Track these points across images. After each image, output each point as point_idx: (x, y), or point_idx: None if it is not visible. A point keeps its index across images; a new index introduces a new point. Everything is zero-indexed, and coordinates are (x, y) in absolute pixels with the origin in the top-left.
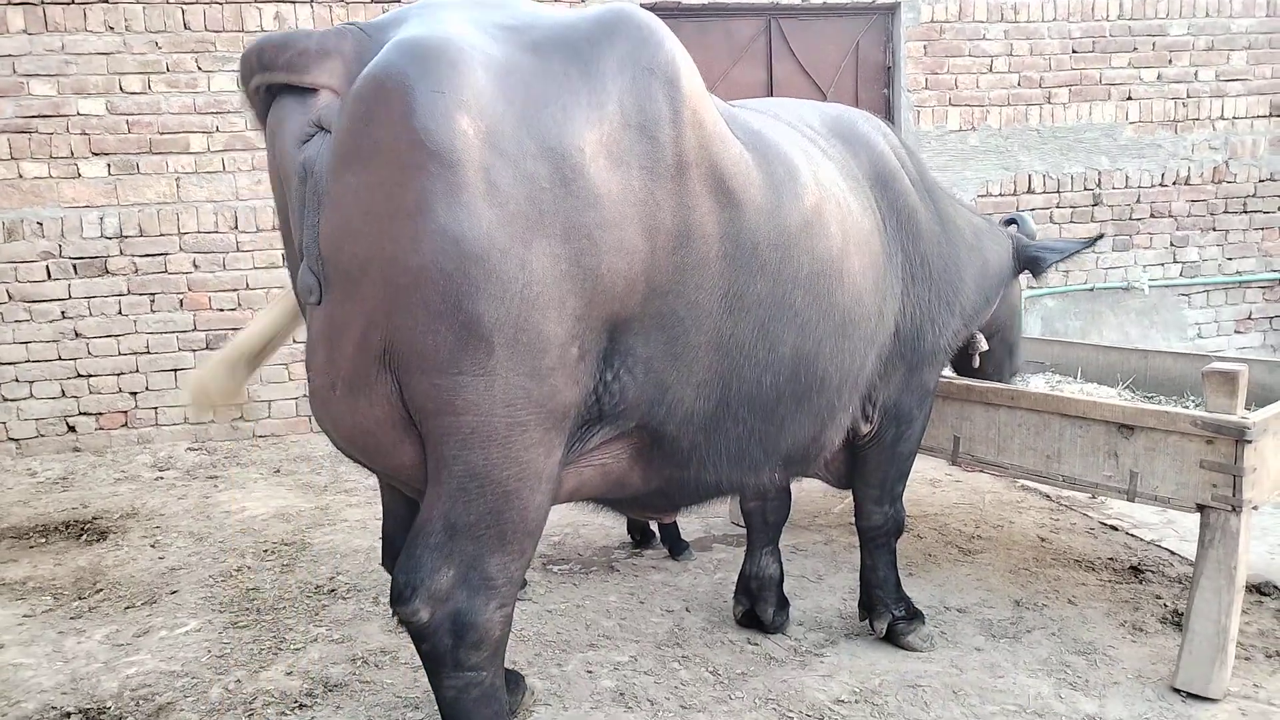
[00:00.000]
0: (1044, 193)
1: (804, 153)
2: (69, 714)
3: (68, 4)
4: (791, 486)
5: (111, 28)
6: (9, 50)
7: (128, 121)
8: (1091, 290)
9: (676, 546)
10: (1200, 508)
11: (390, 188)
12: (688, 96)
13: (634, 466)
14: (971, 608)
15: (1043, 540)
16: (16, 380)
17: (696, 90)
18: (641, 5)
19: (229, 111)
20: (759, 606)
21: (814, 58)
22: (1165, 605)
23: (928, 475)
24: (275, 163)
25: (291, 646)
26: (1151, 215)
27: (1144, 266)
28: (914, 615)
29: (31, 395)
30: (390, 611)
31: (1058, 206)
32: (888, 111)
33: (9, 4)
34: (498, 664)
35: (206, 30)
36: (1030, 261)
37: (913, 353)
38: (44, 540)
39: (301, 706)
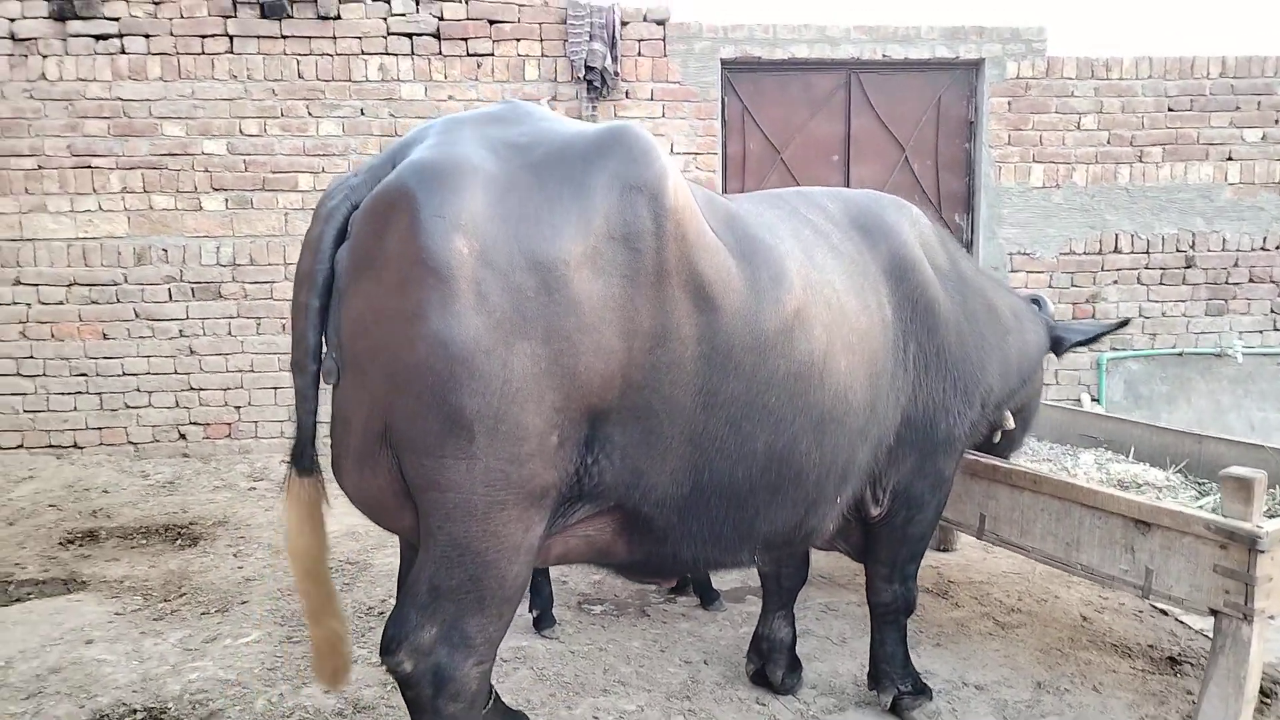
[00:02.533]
0: (1131, 253)
1: (800, 254)
2: (135, 711)
3: (199, 54)
4: (809, 552)
5: (235, 75)
6: (146, 95)
7: (245, 161)
8: (1180, 355)
9: (708, 595)
10: (1213, 612)
11: (394, 295)
12: (671, 211)
13: (617, 539)
14: (990, 686)
15: (1084, 619)
16: (138, 390)
17: (681, 204)
18: (723, 59)
19: (333, 154)
20: (768, 668)
21: (894, 112)
22: (1193, 703)
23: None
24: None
25: None
26: (1250, 280)
27: (1239, 333)
28: (920, 690)
29: (150, 404)
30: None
31: (1146, 268)
32: (969, 167)
33: (149, 53)
34: (475, 714)
35: (318, 79)
36: (1054, 342)
37: (925, 440)
38: (145, 542)
39: None
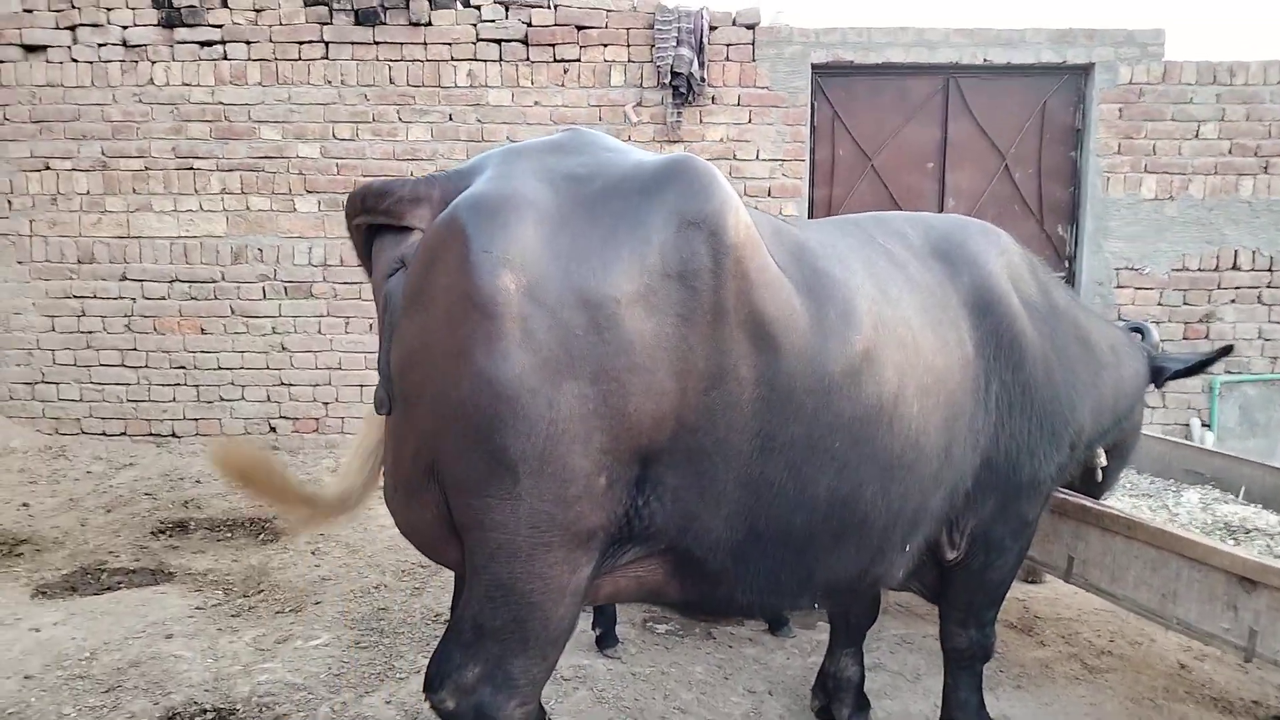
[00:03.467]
0: (1252, 270)
1: (872, 289)
2: (205, 711)
3: (295, 60)
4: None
5: (329, 81)
6: (246, 99)
7: (337, 164)
8: None
9: (777, 622)
10: None
11: (442, 330)
12: (732, 247)
13: (669, 581)
14: None
15: (1182, 668)
16: (232, 384)
17: (742, 240)
18: (814, 65)
19: (421, 159)
20: (834, 706)
21: (994, 118)
22: None
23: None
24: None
25: (397, 675)
26: None
27: None
28: None
29: (243, 398)
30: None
31: (1268, 286)
32: (1074, 176)
33: (249, 59)
34: None
35: (408, 85)
36: (1154, 373)
37: (1007, 484)
38: (230, 535)
39: None
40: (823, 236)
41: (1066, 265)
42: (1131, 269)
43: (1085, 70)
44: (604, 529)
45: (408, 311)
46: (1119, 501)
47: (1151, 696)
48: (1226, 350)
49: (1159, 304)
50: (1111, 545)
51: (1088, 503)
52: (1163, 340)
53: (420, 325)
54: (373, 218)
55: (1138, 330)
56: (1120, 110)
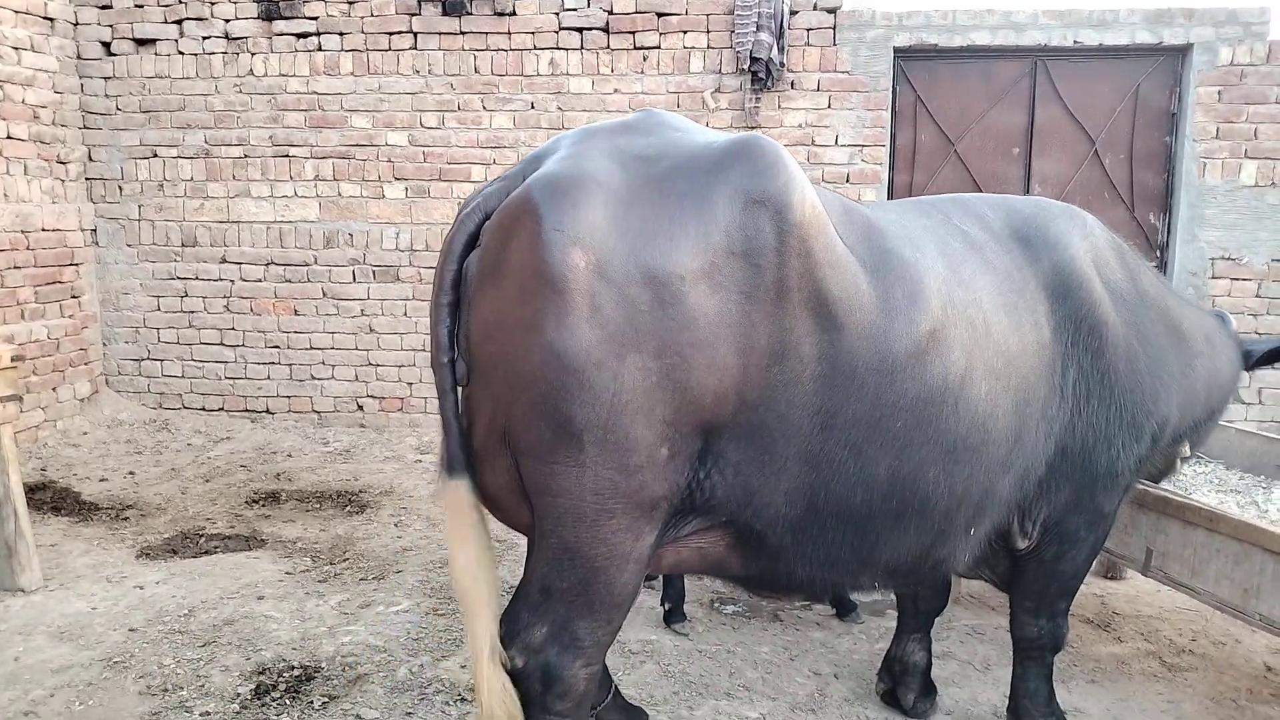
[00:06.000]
0: None
1: (943, 270)
2: (293, 667)
3: (385, 50)
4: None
5: (417, 70)
6: (339, 89)
7: (424, 152)
8: None
9: (844, 606)
10: None
11: (514, 304)
12: (796, 226)
13: (730, 554)
14: None
15: (1269, 670)
16: (323, 363)
17: (808, 219)
18: (896, 48)
19: (504, 146)
20: (899, 690)
21: (1084, 102)
22: None
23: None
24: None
25: None
26: None
27: None
28: None
29: (333, 377)
30: None
31: None
32: (1168, 162)
33: (342, 50)
34: (582, 713)
35: (492, 74)
36: (1244, 356)
37: (1083, 474)
38: (318, 506)
39: (463, 700)
40: (896, 217)
41: (1158, 254)
42: (1228, 259)
43: (1183, 51)
44: (666, 499)
45: (482, 286)
46: (1205, 498)
47: (1234, 697)
48: None
49: (1257, 295)
50: (1192, 538)
51: (1169, 493)
52: (1263, 334)
53: (494, 299)
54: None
55: (1218, 317)
56: (1219, 93)
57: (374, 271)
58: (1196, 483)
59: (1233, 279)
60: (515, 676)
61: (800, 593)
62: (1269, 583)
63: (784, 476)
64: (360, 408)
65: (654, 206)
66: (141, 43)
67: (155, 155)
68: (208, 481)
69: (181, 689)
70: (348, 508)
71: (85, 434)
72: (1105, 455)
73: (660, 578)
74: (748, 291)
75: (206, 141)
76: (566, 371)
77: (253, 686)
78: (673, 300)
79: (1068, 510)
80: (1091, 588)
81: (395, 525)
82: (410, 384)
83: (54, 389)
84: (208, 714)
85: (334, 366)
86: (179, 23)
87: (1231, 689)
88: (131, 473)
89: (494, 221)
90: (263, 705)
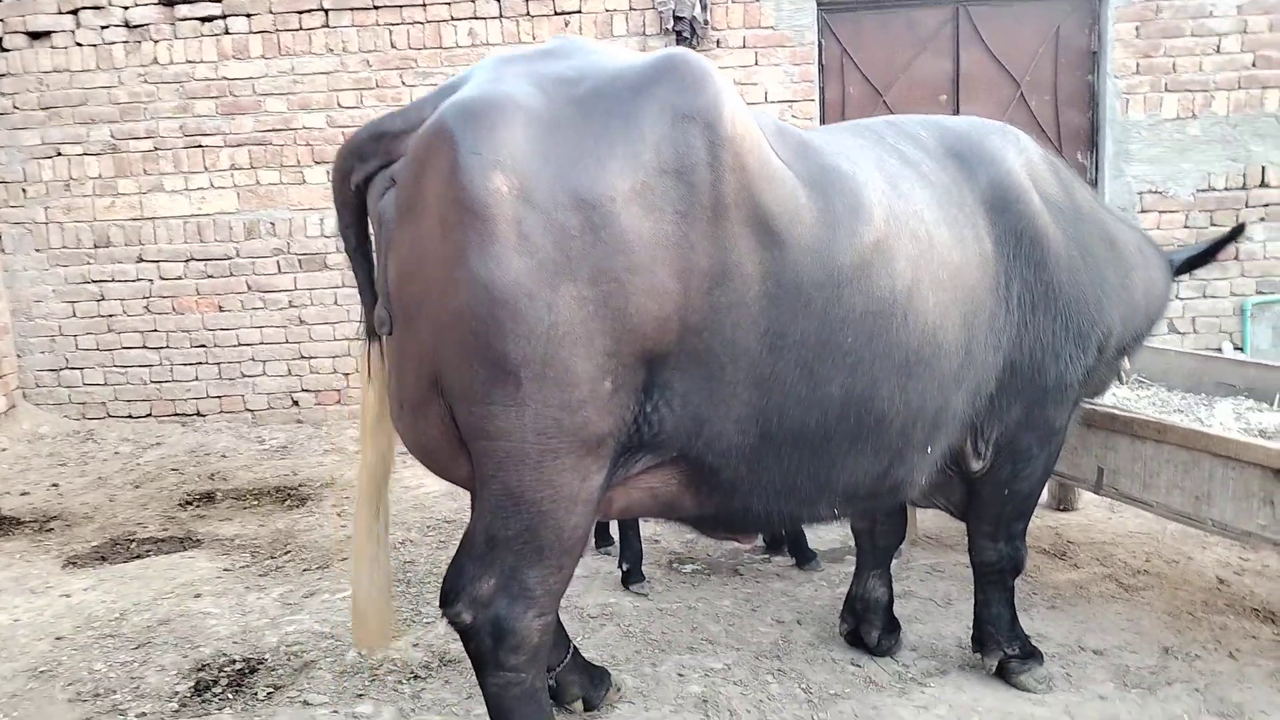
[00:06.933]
0: None
1: (882, 184)
2: (234, 661)
3: (296, 30)
4: (908, 510)
5: (331, 49)
6: (250, 73)
7: (343, 133)
8: None
9: (803, 556)
10: None
11: (435, 238)
12: (729, 140)
13: (683, 492)
14: (1111, 650)
15: (1221, 582)
16: (253, 359)
17: (740, 133)
18: (819, 2)
19: None
20: (863, 629)
21: (1007, 45)
22: None
23: (1105, 499)
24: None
25: (424, 620)
26: None
27: None
28: (1030, 654)
29: (264, 373)
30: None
31: None
32: (1092, 101)
33: (250, 32)
34: (538, 666)
35: (409, 48)
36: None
37: (1032, 388)
38: (256, 503)
39: (416, 678)
40: (829, 137)
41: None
42: (1155, 192)
43: None
44: (612, 435)
45: (400, 224)
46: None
47: (1190, 610)
48: (1239, 230)
49: (1185, 227)
50: (1142, 452)
51: (1116, 410)
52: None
53: (413, 236)
54: (372, 165)
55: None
56: (1137, 29)
57: (299, 260)
58: (1140, 405)
59: (1160, 212)
60: (464, 633)
61: (757, 529)
62: (1219, 487)
63: (734, 403)
64: (295, 403)
65: (578, 127)
66: (36, 36)
67: (59, 154)
68: (138, 488)
69: (114, 693)
70: (287, 502)
71: (3, 450)
72: (1054, 368)
73: (617, 541)
74: (683, 211)
75: (113, 136)
76: (496, 305)
77: (192, 684)
78: (604, 223)
79: (1020, 427)
80: (1045, 520)
81: (338, 515)
82: (346, 375)
83: None
84: (143, 715)
85: (264, 362)
86: (74, 13)
87: (1187, 603)
88: (55, 484)
89: (407, 154)
90: (203, 701)
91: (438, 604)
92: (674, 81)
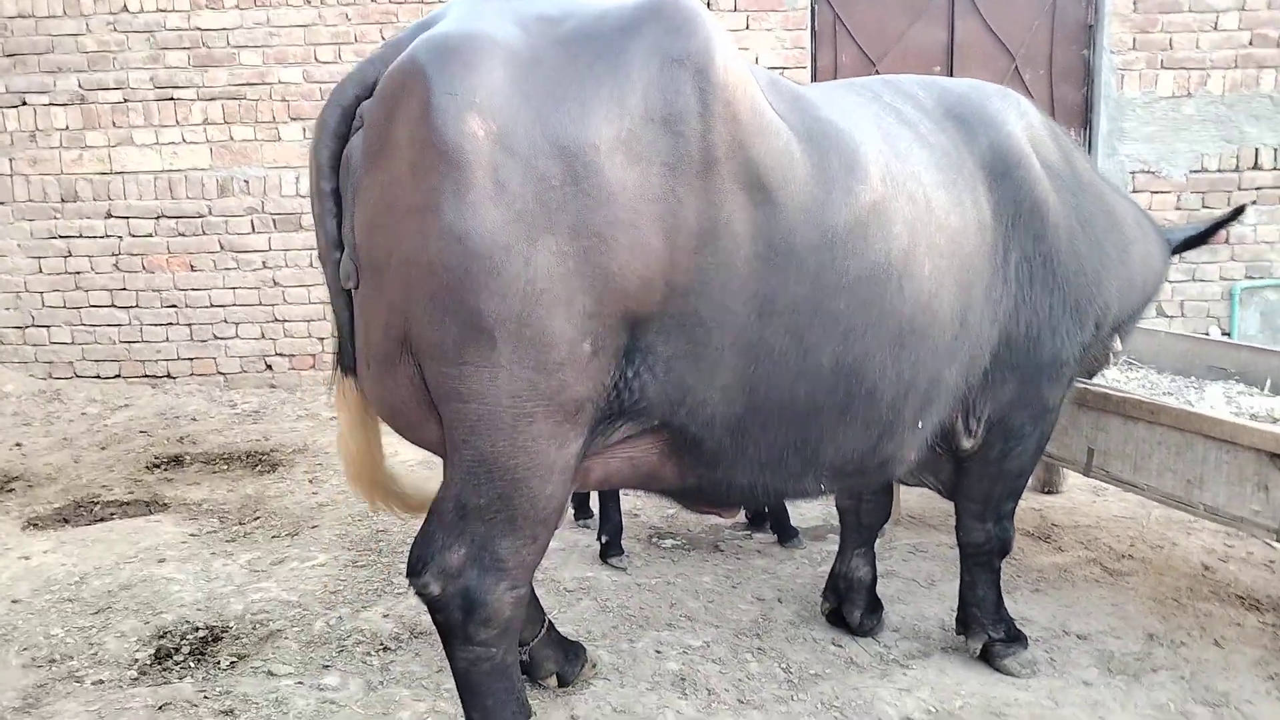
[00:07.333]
0: (1274, 169)
1: (880, 142)
2: (197, 629)
3: None
4: (894, 488)
5: (308, 1)
6: (224, 24)
7: (320, 89)
8: None
9: (785, 533)
10: None
11: (405, 185)
12: (720, 88)
13: (664, 462)
14: (1095, 635)
15: (1206, 568)
16: (226, 322)
17: (733, 81)
18: None
19: None
20: (845, 608)
21: (1002, 16)
22: None
23: (1090, 481)
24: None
25: (395, 591)
26: None
27: None
28: (1014, 638)
29: (237, 336)
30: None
31: None
32: (1087, 76)
33: None
34: (509, 641)
35: (390, 1)
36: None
37: (1028, 363)
38: (226, 467)
39: (386, 649)
40: (825, 92)
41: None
42: (1148, 171)
43: None
44: (591, 401)
45: (369, 169)
46: None
47: (1176, 596)
48: (1239, 211)
49: (1177, 208)
50: (1134, 433)
51: (1109, 389)
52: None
53: (383, 182)
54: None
55: None
56: (1134, 3)
57: (274, 220)
58: (1130, 387)
59: (1152, 191)
60: (432, 605)
61: (740, 503)
62: (1212, 471)
63: (720, 371)
64: (269, 367)
65: (561, 69)
66: None
67: (24, 103)
68: (104, 449)
69: (71, 659)
70: (258, 467)
71: None
72: (1050, 343)
73: (596, 513)
74: (671, 163)
75: (81, 86)
76: (471, 258)
77: (152, 651)
78: (587, 173)
79: (1013, 405)
80: (1030, 502)
81: (310, 481)
82: (321, 339)
83: None
84: (101, 682)
85: (237, 324)
86: None
87: (1172, 589)
88: (19, 444)
89: (377, 93)
90: (164, 670)
91: (406, 573)
92: (664, 22)
